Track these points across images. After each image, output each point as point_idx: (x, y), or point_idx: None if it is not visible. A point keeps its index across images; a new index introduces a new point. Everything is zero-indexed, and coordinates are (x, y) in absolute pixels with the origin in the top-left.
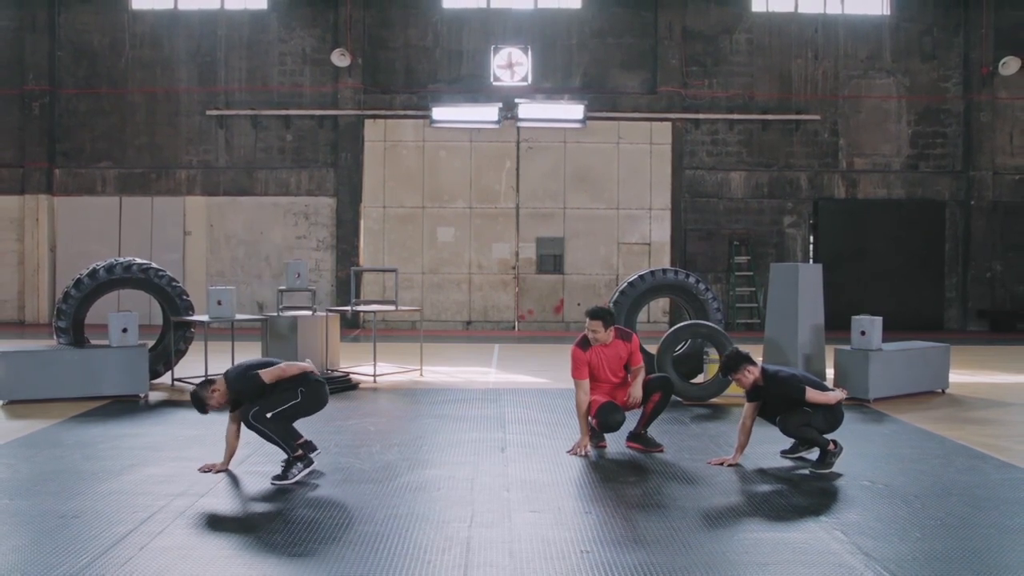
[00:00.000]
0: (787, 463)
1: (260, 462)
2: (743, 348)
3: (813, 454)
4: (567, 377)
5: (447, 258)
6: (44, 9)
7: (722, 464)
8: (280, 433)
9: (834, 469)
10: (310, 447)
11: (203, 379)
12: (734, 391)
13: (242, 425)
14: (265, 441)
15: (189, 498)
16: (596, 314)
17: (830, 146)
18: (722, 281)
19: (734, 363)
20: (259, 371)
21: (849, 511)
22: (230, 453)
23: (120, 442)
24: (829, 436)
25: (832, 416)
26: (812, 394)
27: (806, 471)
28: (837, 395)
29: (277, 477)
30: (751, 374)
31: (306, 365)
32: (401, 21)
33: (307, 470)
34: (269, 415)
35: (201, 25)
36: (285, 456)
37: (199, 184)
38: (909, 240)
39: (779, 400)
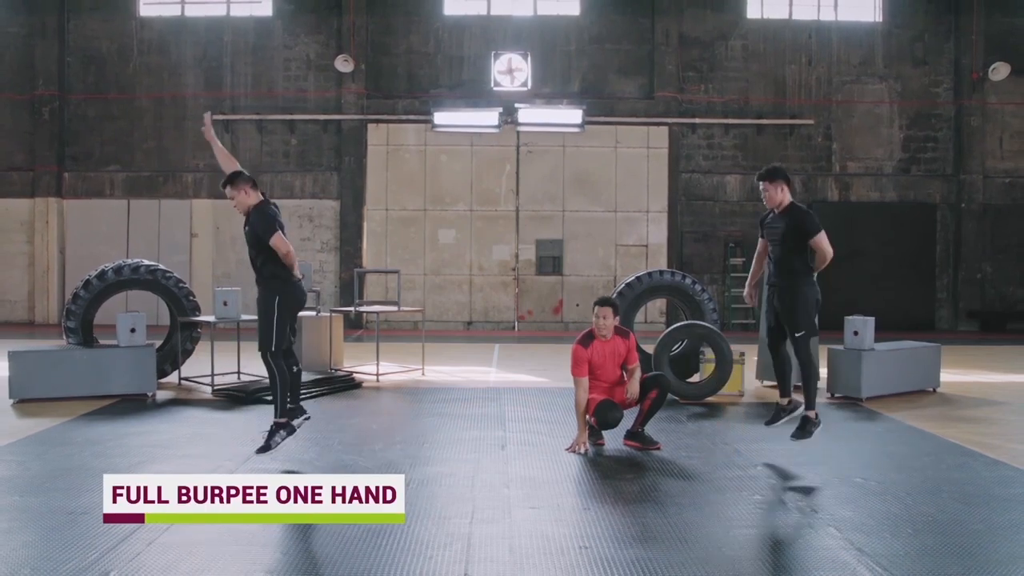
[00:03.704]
0: (781, 462)
1: (264, 460)
2: (739, 348)
3: (794, 424)
4: (566, 376)
5: (448, 260)
6: (54, 16)
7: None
8: (284, 381)
9: (829, 468)
10: (300, 411)
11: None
12: (729, 390)
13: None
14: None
15: None
16: (606, 301)
17: (823, 150)
18: (718, 282)
19: (774, 172)
20: (279, 233)
21: (842, 508)
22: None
23: (128, 440)
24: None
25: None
26: (822, 237)
27: (801, 470)
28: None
29: (261, 449)
30: (783, 194)
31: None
32: (403, 28)
33: (289, 437)
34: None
35: (207, 32)
36: (275, 423)
37: (205, 187)
38: (901, 242)
39: (792, 236)
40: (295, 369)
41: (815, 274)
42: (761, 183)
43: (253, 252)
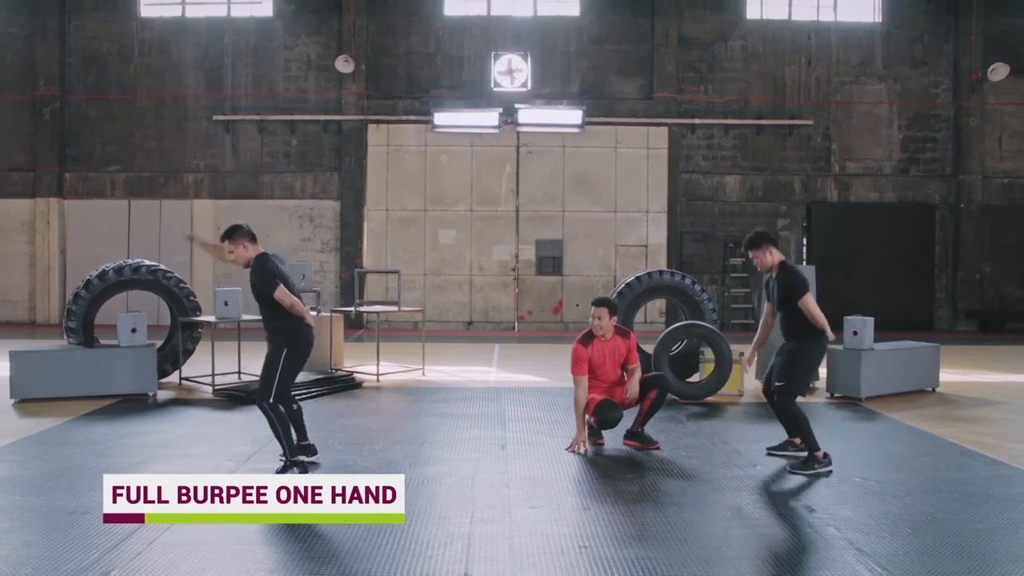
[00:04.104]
0: (781, 462)
1: (264, 459)
2: (738, 348)
3: (800, 452)
4: (566, 376)
5: (448, 260)
6: (55, 16)
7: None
8: (284, 424)
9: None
10: (311, 450)
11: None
12: (729, 390)
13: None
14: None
15: None
16: (601, 301)
17: (823, 150)
18: (717, 282)
19: (758, 239)
20: (281, 286)
21: (842, 507)
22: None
23: (129, 440)
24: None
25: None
26: (808, 299)
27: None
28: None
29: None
30: (772, 256)
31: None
32: (404, 28)
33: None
34: (273, 399)
35: (208, 32)
36: (289, 460)
37: (206, 188)
38: (900, 242)
39: (784, 296)
40: (295, 408)
41: (824, 330)
42: (749, 252)
43: (261, 307)
